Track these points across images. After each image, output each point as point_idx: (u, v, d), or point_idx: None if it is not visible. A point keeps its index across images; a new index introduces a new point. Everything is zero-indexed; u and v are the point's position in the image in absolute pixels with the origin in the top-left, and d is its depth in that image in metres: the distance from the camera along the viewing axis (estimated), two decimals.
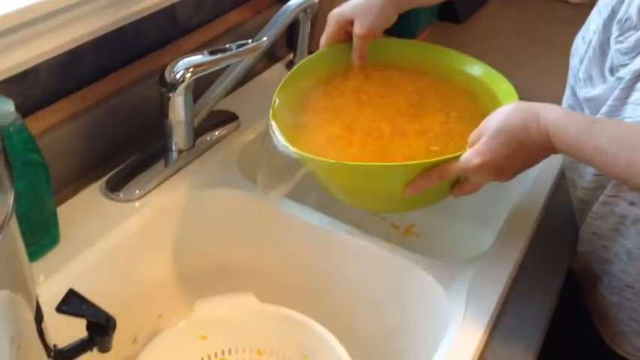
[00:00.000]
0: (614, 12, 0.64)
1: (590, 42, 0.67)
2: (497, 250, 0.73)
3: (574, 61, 0.71)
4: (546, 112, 0.57)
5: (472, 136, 0.62)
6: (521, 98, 0.68)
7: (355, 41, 0.77)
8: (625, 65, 0.60)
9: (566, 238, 0.77)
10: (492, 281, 0.68)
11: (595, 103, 0.64)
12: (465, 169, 0.61)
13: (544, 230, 0.78)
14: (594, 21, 0.68)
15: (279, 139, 0.67)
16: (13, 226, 0.38)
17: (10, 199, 0.36)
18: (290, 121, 0.71)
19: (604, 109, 0.62)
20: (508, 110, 0.59)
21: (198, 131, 0.83)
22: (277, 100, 0.71)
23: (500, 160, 0.59)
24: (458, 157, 0.61)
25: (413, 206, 0.76)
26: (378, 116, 0.72)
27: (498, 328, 0.65)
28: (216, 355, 0.72)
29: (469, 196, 0.66)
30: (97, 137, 0.77)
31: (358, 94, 0.76)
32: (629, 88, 0.59)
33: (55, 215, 0.66)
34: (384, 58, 0.81)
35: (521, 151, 0.58)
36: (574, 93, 0.69)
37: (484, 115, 0.62)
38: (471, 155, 0.60)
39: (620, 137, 0.54)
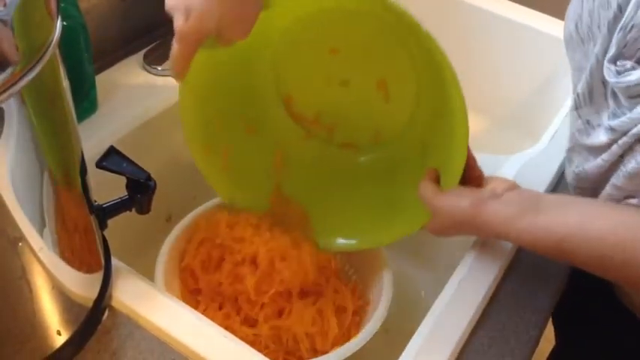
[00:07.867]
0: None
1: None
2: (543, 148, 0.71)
3: (574, 54, 0.55)
4: (502, 233, 0.52)
5: (425, 190, 0.57)
6: None
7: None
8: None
9: None
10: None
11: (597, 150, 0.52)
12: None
13: None
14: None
15: None
16: (58, 55, 0.36)
17: (57, 26, 0.34)
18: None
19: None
20: (460, 215, 0.53)
21: None
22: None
23: (454, 234, 0.57)
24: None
25: None
26: None
27: None
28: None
29: None
30: (136, 7, 0.75)
31: None
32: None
33: (93, 80, 0.64)
34: None
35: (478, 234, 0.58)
36: (578, 115, 0.54)
37: None
38: (427, 229, 0.58)
39: (601, 257, 0.47)
